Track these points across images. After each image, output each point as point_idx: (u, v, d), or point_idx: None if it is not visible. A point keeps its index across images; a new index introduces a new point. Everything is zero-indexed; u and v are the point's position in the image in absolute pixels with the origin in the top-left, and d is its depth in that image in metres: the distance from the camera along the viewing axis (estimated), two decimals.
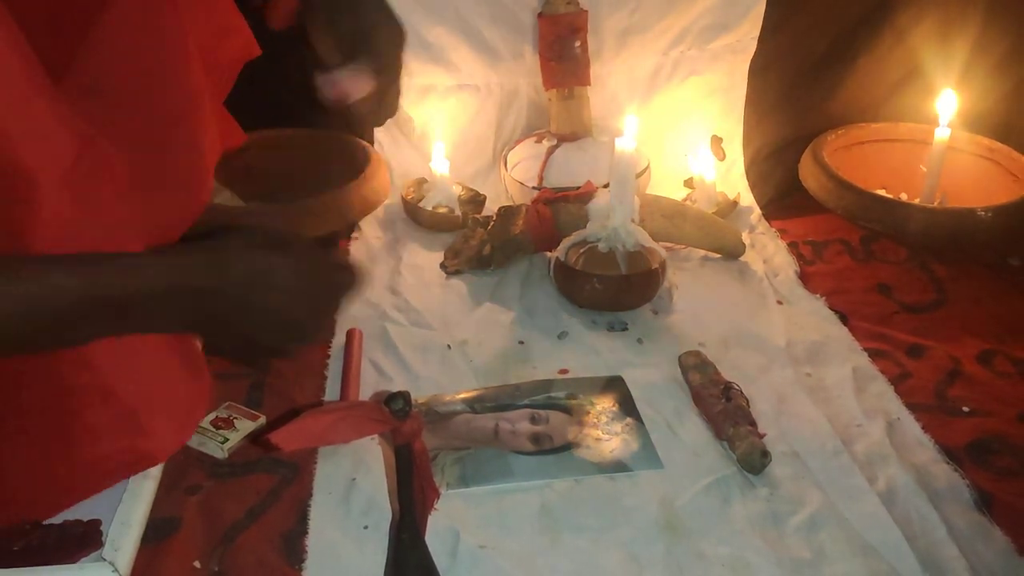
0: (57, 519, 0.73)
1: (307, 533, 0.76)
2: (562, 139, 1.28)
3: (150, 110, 0.72)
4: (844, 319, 1.05)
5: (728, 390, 0.89)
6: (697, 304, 1.07)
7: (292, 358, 0.70)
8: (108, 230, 0.64)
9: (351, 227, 1.23)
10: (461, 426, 0.88)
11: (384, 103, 0.78)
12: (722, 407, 0.87)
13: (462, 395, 0.92)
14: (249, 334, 0.66)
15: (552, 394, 0.92)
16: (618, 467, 0.83)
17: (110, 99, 0.69)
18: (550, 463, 0.83)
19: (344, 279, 0.71)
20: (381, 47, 0.76)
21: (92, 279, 0.58)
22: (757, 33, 1.27)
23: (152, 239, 0.69)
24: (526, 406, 0.90)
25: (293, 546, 0.75)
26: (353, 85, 0.74)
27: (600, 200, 1.09)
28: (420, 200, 1.25)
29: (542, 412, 0.89)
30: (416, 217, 1.25)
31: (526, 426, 0.88)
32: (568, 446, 0.85)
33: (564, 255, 1.07)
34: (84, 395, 0.66)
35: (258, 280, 0.64)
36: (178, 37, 0.72)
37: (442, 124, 1.30)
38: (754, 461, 0.81)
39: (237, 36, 0.82)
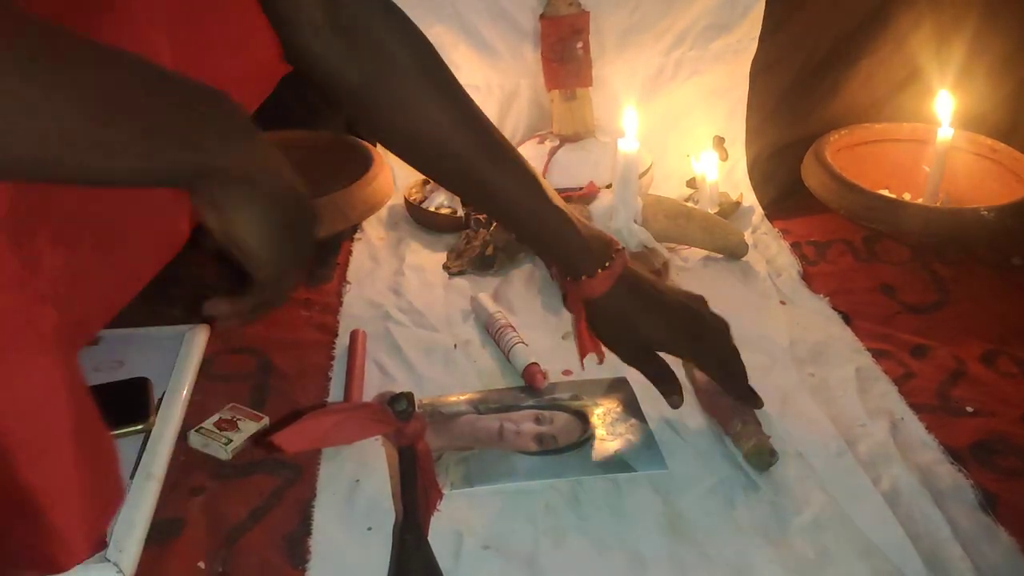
0: None
1: (310, 534, 0.76)
2: (564, 140, 1.28)
3: None
4: (847, 319, 1.05)
5: None
6: None
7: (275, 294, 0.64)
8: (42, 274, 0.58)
9: (354, 228, 1.23)
10: (465, 427, 0.88)
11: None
12: (729, 402, 0.86)
13: (466, 396, 0.92)
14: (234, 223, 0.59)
15: (556, 395, 0.92)
16: (622, 468, 0.83)
17: None
18: (554, 463, 0.83)
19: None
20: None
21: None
22: (757, 34, 1.27)
23: (120, 278, 0.66)
24: (530, 407, 0.90)
25: (296, 547, 0.75)
26: None
27: (603, 201, 1.09)
28: (423, 201, 1.25)
29: (546, 413, 0.89)
30: (419, 218, 1.25)
31: (530, 427, 0.87)
32: (572, 447, 0.85)
33: None
34: None
35: (257, 176, 0.58)
36: (162, 57, 0.70)
37: None
38: (763, 457, 0.81)
39: (265, 51, 0.77)
